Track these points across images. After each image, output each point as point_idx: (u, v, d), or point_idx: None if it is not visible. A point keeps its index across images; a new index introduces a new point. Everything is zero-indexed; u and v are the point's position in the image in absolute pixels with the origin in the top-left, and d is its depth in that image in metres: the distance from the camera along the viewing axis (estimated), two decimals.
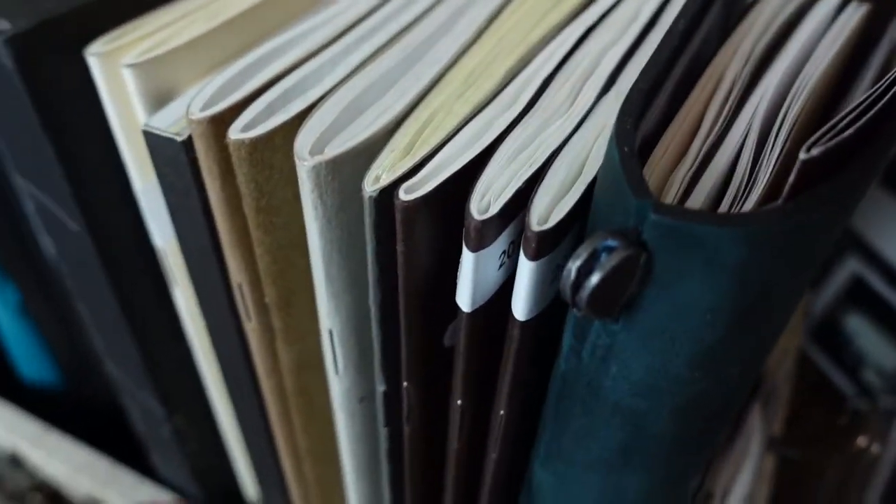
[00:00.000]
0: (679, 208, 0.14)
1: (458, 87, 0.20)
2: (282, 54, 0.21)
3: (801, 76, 0.20)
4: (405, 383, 0.21)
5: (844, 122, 0.14)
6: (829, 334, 0.52)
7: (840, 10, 0.24)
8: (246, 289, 0.22)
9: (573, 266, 0.14)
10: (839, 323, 0.51)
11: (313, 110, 0.19)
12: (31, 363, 0.38)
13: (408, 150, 0.18)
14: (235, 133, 0.18)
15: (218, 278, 0.23)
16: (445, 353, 0.21)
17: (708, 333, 0.15)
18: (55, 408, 0.39)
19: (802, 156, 0.14)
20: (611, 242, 0.14)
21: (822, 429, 0.41)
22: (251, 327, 0.23)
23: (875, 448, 0.28)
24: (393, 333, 0.20)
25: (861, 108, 0.15)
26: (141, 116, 0.22)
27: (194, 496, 0.34)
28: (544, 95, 0.20)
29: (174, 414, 0.30)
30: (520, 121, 0.19)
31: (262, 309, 0.22)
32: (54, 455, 0.36)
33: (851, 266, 0.50)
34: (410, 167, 0.18)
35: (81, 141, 0.23)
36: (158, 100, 0.21)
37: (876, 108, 0.15)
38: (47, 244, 0.27)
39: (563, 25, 0.23)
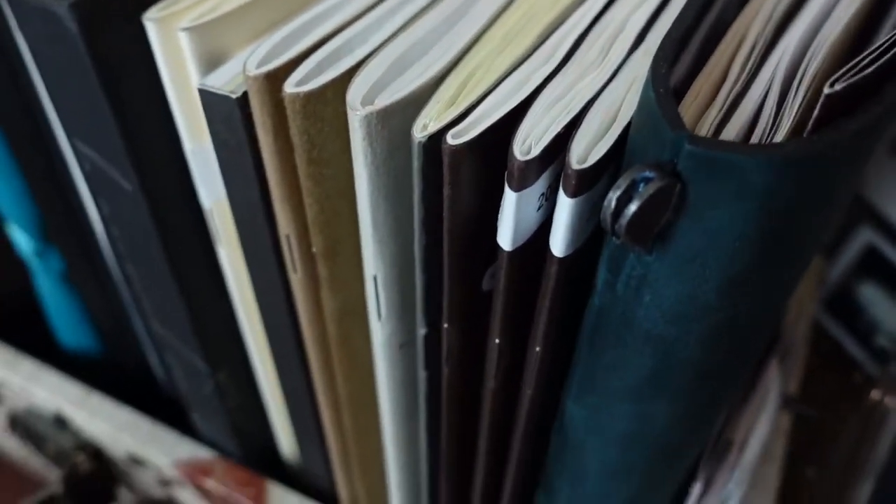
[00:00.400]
0: (712, 140, 0.15)
1: (497, 44, 0.22)
2: (330, 16, 0.23)
3: (820, 33, 0.21)
4: (445, 325, 0.22)
5: (866, 60, 0.16)
6: (843, 304, 0.53)
7: None
8: (293, 240, 0.23)
9: (613, 196, 0.16)
10: (853, 292, 0.52)
11: (362, 66, 0.20)
12: (71, 330, 0.40)
13: (452, 100, 0.20)
14: (291, 87, 0.20)
15: (266, 231, 0.24)
16: (484, 296, 0.22)
17: (736, 261, 0.17)
18: (94, 372, 0.40)
19: (826, 90, 0.15)
20: (648, 174, 0.15)
21: (837, 390, 0.42)
22: (297, 278, 0.25)
23: (888, 400, 0.30)
24: (436, 277, 0.22)
25: (882, 48, 0.16)
26: (194, 78, 0.23)
27: (233, 453, 0.36)
28: (578, 51, 0.22)
29: (217, 371, 0.32)
30: (556, 74, 0.20)
31: (309, 259, 0.24)
32: (97, 415, 0.37)
33: (865, 236, 0.51)
34: (456, 116, 0.19)
35: (137, 102, 0.24)
36: (211, 62, 0.23)
37: None
38: (99, 207, 0.28)
39: None
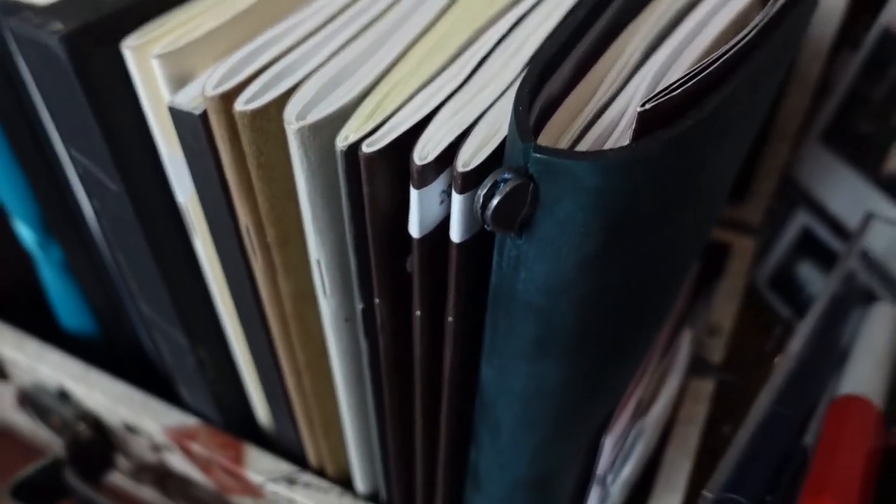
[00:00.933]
0: (551, 149, 0.19)
1: (414, 64, 0.26)
2: (276, 42, 0.27)
3: (681, 56, 0.26)
4: (377, 300, 0.27)
5: (676, 84, 0.20)
6: (784, 282, 0.57)
7: None
8: (252, 230, 0.28)
9: (481, 192, 0.20)
10: (793, 271, 0.56)
11: (299, 87, 0.25)
12: (72, 313, 0.44)
13: (371, 115, 0.24)
14: (240, 105, 0.24)
15: (229, 223, 0.29)
16: (408, 276, 0.27)
17: (584, 245, 0.21)
18: (92, 350, 0.45)
19: (639, 109, 0.19)
20: (507, 175, 0.20)
21: (771, 356, 0.46)
22: (257, 265, 0.29)
23: (777, 359, 0.34)
24: (366, 260, 0.26)
25: (690, 74, 0.20)
26: (166, 95, 0.27)
27: (215, 421, 0.41)
28: (481, 69, 0.26)
29: (197, 346, 0.36)
30: (459, 90, 0.25)
31: (265, 248, 0.28)
32: (95, 389, 0.42)
33: (802, 219, 0.55)
34: (372, 128, 0.23)
35: (119, 116, 0.28)
36: (179, 82, 0.27)
37: (701, 76, 0.20)
38: (92, 204, 0.33)
39: (506, 10, 0.29)
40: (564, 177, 0.19)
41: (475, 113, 0.24)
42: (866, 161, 0.49)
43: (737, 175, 0.33)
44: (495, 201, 0.20)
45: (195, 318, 0.36)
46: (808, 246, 0.55)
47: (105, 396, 0.42)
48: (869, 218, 0.42)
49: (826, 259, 0.54)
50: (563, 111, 0.23)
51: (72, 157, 0.31)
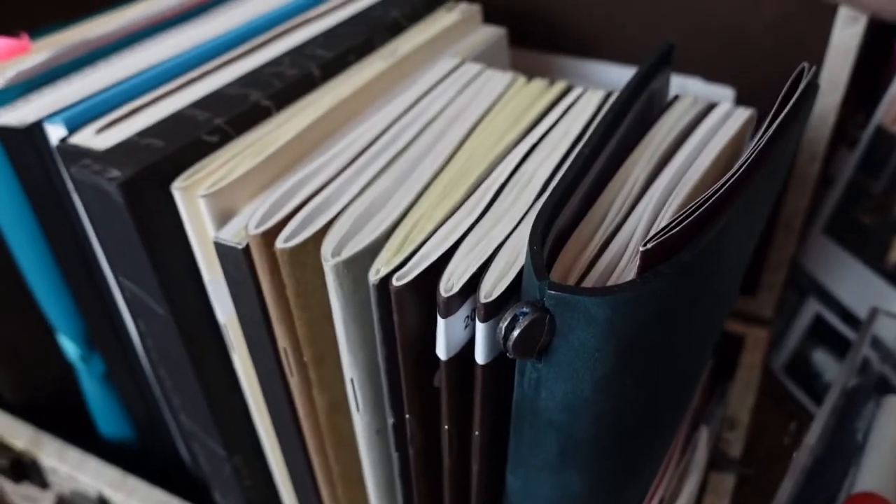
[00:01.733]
0: (564, 286, 0.22)
1: (435, 198, 0.29)
2: (309, 180, 0.30)
3: (682, 180, 0.28)
4: (407, 416, 0.29)
5: (675, 222, 0.22)
6: (801, 369, 0.58)
7: (729, 115, 0.32)
8: (289, 351, 0.30)
9: (502, 325, 0.22)
10: (808, 358, 0.57)
11: (333, 223, 0.27)
12: (110, 422, 0.46)
13: (398, 249, 0.26)
14: (280, 243, 0.27)
15: (268, 343, 0.31)
16: (435, 391, 0.29)
17: (599, 367, 0.23)
18: (131, 458, 0.47)
19: (641, 248, 0.21)
20: (525, 309, 0.22)
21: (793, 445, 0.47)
22: (294, 381, 0.31)
23: (795, 454, 0.35)
24: (396, 379, 0.28)
25: (687, 211, 0.22)
26: (210, 230, 0.30)
27: None
28: (496, 202, 0.28)
29: (234, 454, 0.38)
30: (477, 223, 0.27)
31: (302, 366, 0.30)
32: (133, 496, 0.43)
33: (813, 307, 0.56)
34: (400, 262, 0.26)
35: (166, 248, 0.31)
36: (223, 216, 0.30)
37: (697, 213, 0.22)
38: (137, 325, 0.35)
39: (516, 143, 0.32)
40: (576, 310, 0.21)
41: (493, 244, 0.26)
42: (871, 252, 0.51)
43: (746, 270, 0.35)
44: (516, 333, 0.22)
45: (233, 428, 0.37)
46: (822, 333, 0.56)
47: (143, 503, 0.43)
48: (875, 312, 0.43)
49: (840, 345, 0.55)
50: (574, 243, 0.25)
51: (119, 283, 0.33)
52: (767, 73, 0.44)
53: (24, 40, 0.37)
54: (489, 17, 0.45)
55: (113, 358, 0.42)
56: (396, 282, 0.25)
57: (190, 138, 0.31)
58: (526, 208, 0.28)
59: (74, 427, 0.47)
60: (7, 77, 0.36)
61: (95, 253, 0.37)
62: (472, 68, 0.37)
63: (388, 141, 0.32)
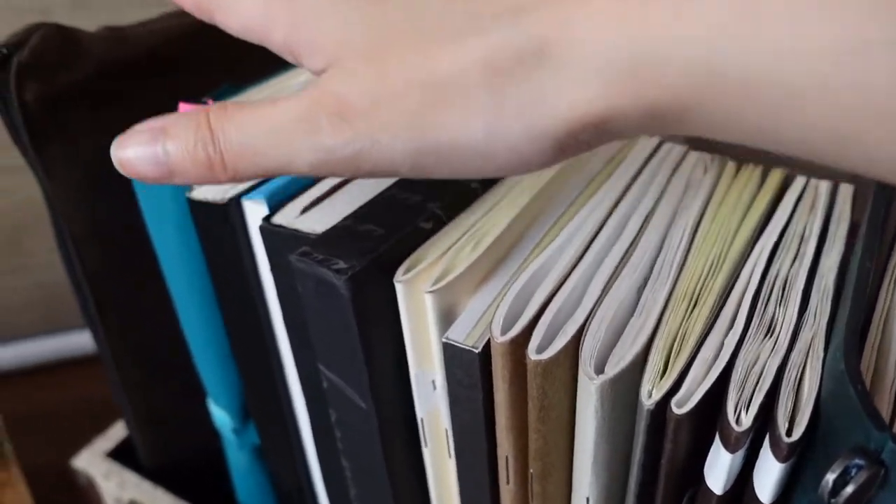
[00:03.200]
0: None
1: (685, 305, 0.27)
2: (540, 277, 0.28)
3: None
4: None
5: None
6: None
7: None
8: (512, 460, 0.28)
9: (831, 478, 0.20)
10: None
11: (584, 332, 0.25)
12: (254, 495, 0.45)
13: (665, 367, 0.24)
14: (533, 354, 0.25)
15: (482, 448, 0.29)
16: None
17: None
18: None
19: None
20: (859, 461, 0.20)
21: None
22: (508, 489, 0.29)
23: None
24: (647, 501, 0.26)
25: None
26: (431, 324, 0.28)
27: None
28: (755, 313, 0.26)
29: None
30: (743, 339, 0.25)
31: (524, 477, 0.28)
32: None
33: None
34: (672, 384, 0.24)
35: (380, 341, 0.29)
36: (445, 312, 0.28)
37: None
38: (329, 413, 0.33)
39: (752, 242, 0.29)
40: None
41: (772, 368, 0.24)
42: None
43: None
44: (849, 489, 0.20)
45: None
46: None
47: None
48: None
49: None
50: (865, 370, 0.23)
51: (321, 372, 0.31)
52: None
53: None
54: None
55: (271, 434, 0.41)
56: (677, 409, 0.23)
57: (408, 226, 0.29)
58: (793, 323, 0.26)
59: (212, 496, 0.45)
60: None
61: (274, 331, 0.36)
62: (676, 149, 0.35)
63: (612, 234, 0.30)
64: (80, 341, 0.65)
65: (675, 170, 0.34)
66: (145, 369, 0.43)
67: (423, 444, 0.32)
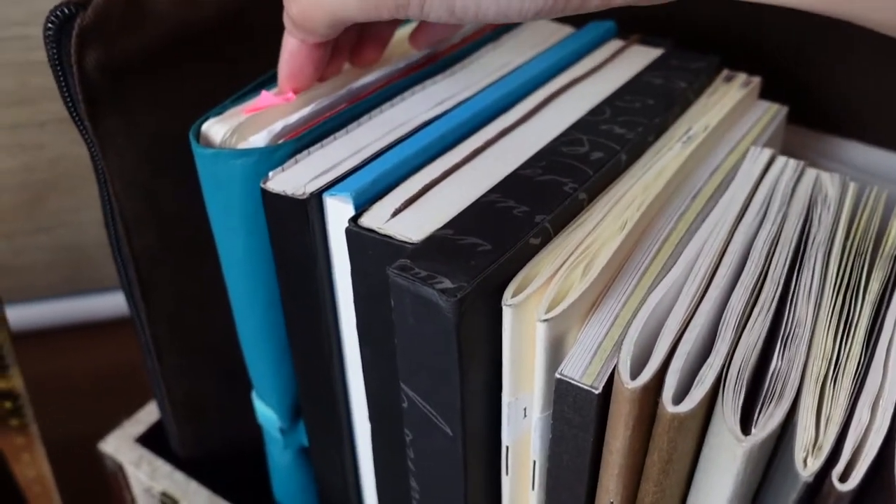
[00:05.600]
0: None
1: (828, 351, 0.24)
2: (665, 312, 0.25)
3: None
4: None
5: None
6: None
7: None
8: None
9: None
10: None
11: (724, 381, 0.23)
12: (293, 495, 0.42)
13: (817, 431, 0.22)
14: (670, 407, 0.22)
15: (583, 492, 0.27)
16: None
17: None
18: None
19: None
20: None
21: None
22: None
23: None
24: None
25: None
26: (540, 353, 0.25)
27: None
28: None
29: None
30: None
31: None
32: None
33: None
34: (828, 454, 0.21)
35: (477, 365, 0.27)
36: (555, 341, 0.26)
37: None
38: (405, 433, 0.30)
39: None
40: None
41: None
42: None
43: None
44: None
45: None
46: None
47: None
48: None
49: None
50: None
51: (403, 392, 0.29)
52: None
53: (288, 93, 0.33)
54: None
55: (324, 441, 0.38)
56: (839, 485, 0.20)
57: (517, 242, 0.26)
58: None
59: (246, 492, 0.43)
60: (274, 132, 0.31)
61: (342, 337, 0.33)
62: (791, 164, 0.32)
63: (735, 262, 0.27)
64: (103, 304, 0.63)
65: (793, 188, 0.31)
66: (188, 358, 0.40)
67: (503, 471, 0.30)
